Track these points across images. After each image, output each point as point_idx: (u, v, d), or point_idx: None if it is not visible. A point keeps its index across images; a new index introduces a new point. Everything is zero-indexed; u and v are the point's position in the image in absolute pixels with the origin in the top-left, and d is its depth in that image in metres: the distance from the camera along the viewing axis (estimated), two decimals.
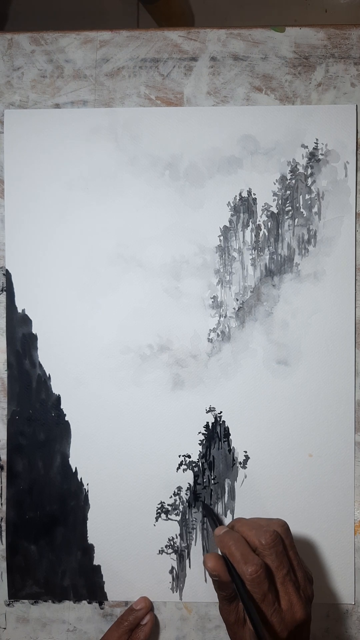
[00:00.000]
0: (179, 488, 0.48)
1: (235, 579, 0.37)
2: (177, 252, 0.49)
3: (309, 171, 0.48)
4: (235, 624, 0.39)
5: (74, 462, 0.49)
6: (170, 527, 0.48)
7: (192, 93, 0.49)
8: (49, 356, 0.49)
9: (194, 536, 0.48)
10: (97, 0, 1.17)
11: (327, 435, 0.48)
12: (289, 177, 0.49)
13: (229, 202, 0.49)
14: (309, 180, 0.48)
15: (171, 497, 0.48)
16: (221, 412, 0.48)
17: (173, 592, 0.49)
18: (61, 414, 0.49)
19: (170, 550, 0.48)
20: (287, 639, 0.37)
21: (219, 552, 0.40)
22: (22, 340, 0.49)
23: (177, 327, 0.49)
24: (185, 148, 0.49)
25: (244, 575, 0.36)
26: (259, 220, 0.49)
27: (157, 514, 0.48)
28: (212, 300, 0.49)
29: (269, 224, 0.49)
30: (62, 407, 0.49)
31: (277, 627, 0.37)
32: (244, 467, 0.48)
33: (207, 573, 0.48)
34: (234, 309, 0.49)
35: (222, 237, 0.49)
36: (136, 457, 0.48)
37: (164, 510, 0.48)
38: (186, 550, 0.48)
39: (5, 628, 0.49)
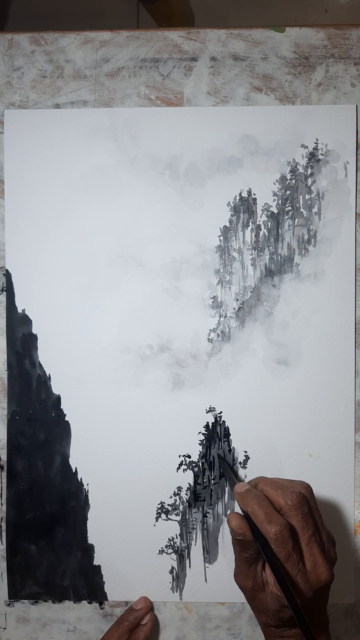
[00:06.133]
0: (179, 488, 0.48)
1: (258, 538, 0.37)
2: (177, 252, 0.49)
3: (309, 171, 0.48)
4: (253, 589, 0.39)
5: (74, 462, 0.49)
6: (170, 527, 0.48)
7: (192, 93, 0.49)
8: (49, 356, 0.49)
9: (194, 536, 0.48)
10: (97, 0, 1.17)
11: (327, 435, 0.48)
12: (289, 177, 0.49)
13: (229, 202, 0.49)
14: (309, 180, 0.48)
15: (171, 497, 0.48)
16: (221, 412, 0.48)
17: (173, 592, 0.49)
18: (61, 414, 0.49)
19: (170, 550, 0.48)
20: (311, 599, 0.37)
21: (240, 511, 0.40)
22: (22, 340, 0.49)
23: (177, 327, 0.49)
24: (185, 148, 0.49)
25: (268, 535, 0.36)
26: (259, 220, 0.49)
27: (157, 514, 0.48)
28: (212, 300, 0.49)
29: (269, 224, 0.49)
30: (62, 407, 0.49)
31: (302, 587, 0.36)
32: (244, 467, 0.48)
33: (206, 572, 0.48)
34: (234, 309, 0.49)
35: (222, 237, 0.49)
36: (136, 457, 0.48)
37: (164, 510, 0.48)
38: (186, 550, 0.48)
39: (5, 628, 0.49)
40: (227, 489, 0.48)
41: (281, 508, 0.38)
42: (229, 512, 0.48)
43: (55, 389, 0.49)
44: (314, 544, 0.37)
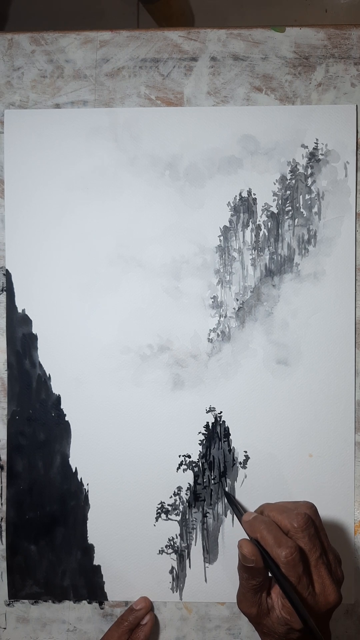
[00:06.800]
0: (179, 488, 0.48)
1: (269, 563, 0.37)
2: (177, 252, 0.49)
3: (309, 171, 0.48)
4: (258, 615, 0.38)
5: (74, 462, 0.49)
6: (170, 527, 0.48)
7: (192, 93, 0.49)
8: (49, 356, 0.49)
9: (194, 536, 0.48)
10: (97, 0, 1.17)
11: (327, 435, 0.48)
12: (289, 177, 0.49)
13: (229, 202, 0.49)
14: (309, 180, 0.48)
15: (171, 497, 0.48)
16: (221, 412, 0.48)
17: (173, 592, 0.49)
18: (61, 414, 0.49)
19: (170, 550, 0.48)
20: (318, 620, 0.37)
21: (248, 538, 0.40)
22: (22, 340, 0.49)
23: (177, 327, 0.49)
24: (185, 148, 0.49)
25: (279, 559, 0.36)
26: (259, 220, 0.49)
27: (157, 514, 0.48)
28: (212, 300, 0.49)
29: (269, 224, 0.49)
30: (62, 407, 0.49)
31: (311, 610, 0.36)
32: (244, 467, 0.48)
33: (206, 572, 0.48)
34: (234, 309, 0.49)
35: (222, 237, 0.49)
36: (136, 457, 0.48)
37: (164, 510, 0.48)
38: (186, 550, 0.48)
39: (5, 628, 0.49)
40: (227, 489, 0.48)
41: (288, 531, 0.38)
42: (228, 512, 0.48)
43: (55, 389, 0.49)
44: (321, 566, 0.37)
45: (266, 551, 0.37)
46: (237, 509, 0.45)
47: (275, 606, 0.38)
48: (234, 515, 0.48)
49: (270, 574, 0.38)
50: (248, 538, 0.39)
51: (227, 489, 0.48)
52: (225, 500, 0.48)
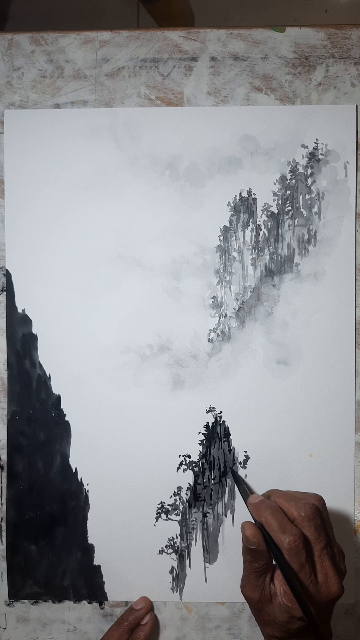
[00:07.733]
0: (179, 488, 0.48)
1: (271, 548, 0.37)
2: (177, 252, 0.49)
3: (309, 171, 0.48)
4: (260, 600, 0.39)
5: (74, 462, 0.49)
6: (170, 527, 0.48)
7: (192, 93, 0.49)
8: (49, 356, 0.49)
9: (194, 536, 0.48)
10: (97, 0, 1.17)
11: (327, 435, 0.48)
12: (289, 177, 0.49)
13: (229, 202, 0.49)
14: (309, 180, 0.48)
15: (171, 497, 0.48)
16: (221, 412, 0.48)
17: (173, 592, 0.49)
18: (61, 414, 0.49)
19: (170, 550, 0.48)
20: (319, 612, 0.37)
21: (252, 521, 0.40)
22: (22, 340, 0.49)
23: (177, 327, 0.49)
24: (185, 148, 0.49)
25: (282, 545, 0.36)
26: (259, 220, 0.49)
27: (157, 514, 0.48)
28: (212, 300, 0.49)
29: (269, 224, 0.49)
30: (62, 407, 0.49)
31: (313, 599, 0.36)
32: (244, 467, 0.48)
33: (206, 572, 0.48)
34: (234, 309, 0.49)
35: (222, 237, 0.49)
36: (136, 457, 0.48)
37: (164, 510, 0.48)
38: (186, 550, 0.48)
39: (5, 628, 0.49)
40: (227, 488, 0.48)
41: (294, 519, 0.38)
42: (228, 512, 0.48)
43: (55, 389, 0.49)
44: (325, 557, 0.37)
45: (270, 536, 0.37)
46: (244, 489, 0.45)
47: (277, 593, 0.38)
48: (241, 496, 0.48)
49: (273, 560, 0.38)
50: (252, 520, 0.39)
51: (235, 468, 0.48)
52: (232, 479, 0.48)
